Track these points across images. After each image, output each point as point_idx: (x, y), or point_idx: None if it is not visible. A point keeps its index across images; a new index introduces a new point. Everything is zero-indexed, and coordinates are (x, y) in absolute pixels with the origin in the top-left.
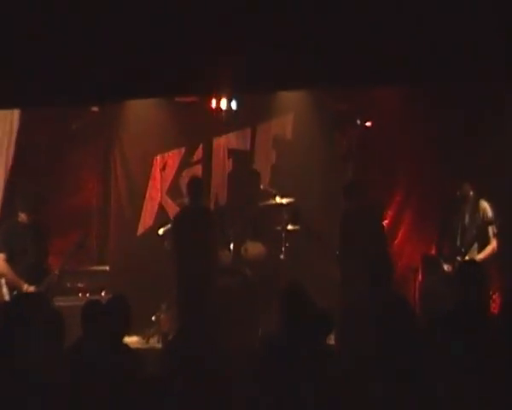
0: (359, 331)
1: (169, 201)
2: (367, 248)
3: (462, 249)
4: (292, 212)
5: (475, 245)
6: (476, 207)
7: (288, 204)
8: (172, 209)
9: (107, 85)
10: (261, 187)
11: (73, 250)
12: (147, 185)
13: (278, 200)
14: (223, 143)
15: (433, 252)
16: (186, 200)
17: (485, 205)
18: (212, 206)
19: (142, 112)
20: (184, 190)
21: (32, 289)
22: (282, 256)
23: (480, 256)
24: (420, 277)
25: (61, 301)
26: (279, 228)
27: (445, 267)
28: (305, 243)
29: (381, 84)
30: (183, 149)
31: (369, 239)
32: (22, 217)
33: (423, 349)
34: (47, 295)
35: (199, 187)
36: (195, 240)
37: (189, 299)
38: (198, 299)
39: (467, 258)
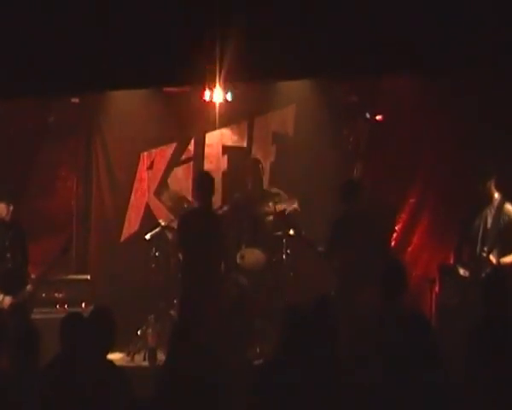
0: (364, 351)
1: (157, 202)
2: (365, 257)
3: (483, 254)
4: (287, 220)
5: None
6: (501, 209)
7: (290, 211)
8: (160, 212)
9: (90, 74)
10: (263, 187)
11: (58, 257)
12: (132, 185)
13: (280, 204)
14: (217, 138)
15: (452, 260)
16: (191, 199)
17: (510, 209)
18: None
19: (127, 104)
20: (174, 189)
21: (8, 299)
22: (283, 264)
23: (505, 260)
24: (437, 288)
25: (36, 314)
26: (280, 233)
27: (462, 272)
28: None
29: (392, 73)
30: (172, 146)
31: (369, 247)
32: (0, 211)
33: (443, 371)
34: (24, 306)
35: (211, 185)
36: (200, 241)
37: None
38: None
39: (489, 263)
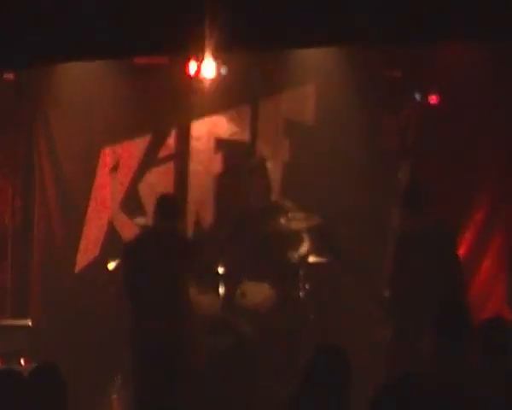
0: None
1: (124, 218)
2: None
3: None
4: (316, 236)
5: None
6: None
7: (310, 227)
8: (129, 231)
9: (33, 39)
10: (272, 199)
11: None
12: (89, 195)
13: (296, 221)
14: (207, 129)
15: None
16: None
17: None
18: (189, 227)
19: (82, 83)
20: (147, 201)
21: None
22: (299, 304)
23: None
24: None
25: None
26: (295, 261)
27: None
28: (337, 283)
29: (450, 39)
30: (145, 139)
31: (441, 273)
32: None
33: None
34: None
35: (171, 205)
36: (158, 280)
37: (150, 376)
38: (165, 375)
39: None
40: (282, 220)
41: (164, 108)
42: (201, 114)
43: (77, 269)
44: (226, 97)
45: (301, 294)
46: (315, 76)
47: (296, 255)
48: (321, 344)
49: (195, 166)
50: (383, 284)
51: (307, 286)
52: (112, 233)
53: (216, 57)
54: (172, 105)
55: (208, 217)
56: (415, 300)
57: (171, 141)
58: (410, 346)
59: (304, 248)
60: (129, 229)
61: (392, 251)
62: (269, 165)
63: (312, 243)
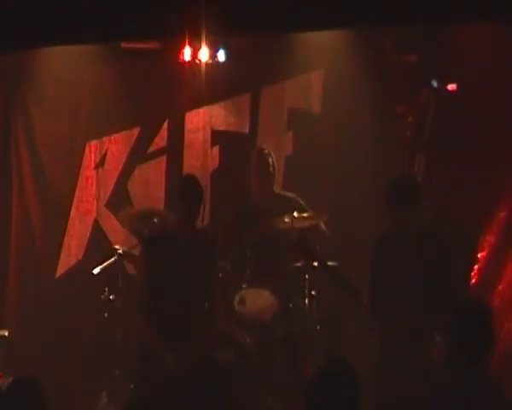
0: None
1: (110, 218)
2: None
3: None
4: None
5: None
6: None
7: (315, 226)
8: (116, 232)
9: (19, 23)
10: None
11: None
12: (73, 192)
13: (301, 219)
14: (203, 120)
15: None
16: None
17: None
18: None
19: (65, 68)
20: (137, 199)
21: None
22: (305, 313)
23: None
24: None
25: None
26: (300, 264)
27: None
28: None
29: (473, 20)
30: (134, 132)
31: (432, 283)
32: None
33: None
34: None
35: (198, 193)
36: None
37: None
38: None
39: None
40: (286, 219)
41: (155, 97)
42: (197, 104)
43: (58, 273)
44: (224, 85)
45: (306, 302)
46: (321, 62)
47: (301, 258)
48: (325, 363)
49: (190, 160)
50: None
51: (313, 292)
52: (97, 235)
53: (213, 42)
54: (165, 94)
55: (204, 215)
56: (397, 310)
57: (164, 133)
58: (397, 359)
59: (310, 249)
60: (115, 230)
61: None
62: (271, 159)
63: (319, 244)
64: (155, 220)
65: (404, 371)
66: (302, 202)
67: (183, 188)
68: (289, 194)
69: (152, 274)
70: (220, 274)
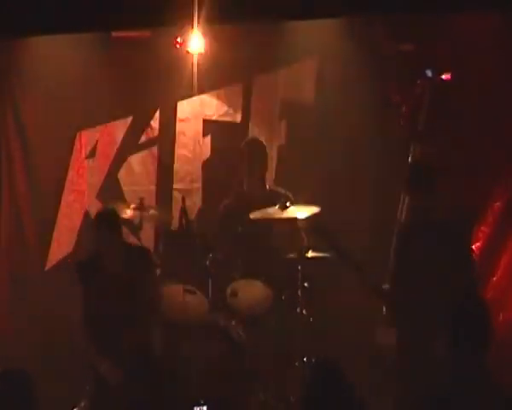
0: None
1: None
2: (445, 286)
3: None
4: (315, 230)
5: None
6: None
7: (308, 218)
8: None
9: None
10: (267, 186)
11: None
12: (63, 183)
13: (292, 211)
14: (195, 109)
15: None
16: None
17: None
18: (175, 218)
19: (54, 57)
20: (128, 190)
21: None
22: (298, 305)
23: None
24: None
25: None
26: (293, 255)
27: None
28: (340, 281)
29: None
30: (125, 121)
31: (449, 269)
32: None
33: None
34: None
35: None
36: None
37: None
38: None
39: None
40: (278, 210)
41: (146, 86)
42: (188, 93)
43: (48, 266)
44: (216, 75)
45: (299, 294)
46: (315, 50)
47: (294, 249)
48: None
49: (181, 150)
50: (385, 279)
51: (306, 284)
52: (88, 226)
53: (204, 29)
54: (156, 83)
55: (195, 206)
56: (419, 299)
57: (155, 123)
58: (417, 349)
59: (303, 241)
60: None
61: (394, 242)
62: (264, 149)
63: (312, 235)
64: (146, 211)
65: (420, 366)
66: (292, 197)
67: (98, 221)
68: (280, 189)
69: (88, 303)
70: (212, 266)
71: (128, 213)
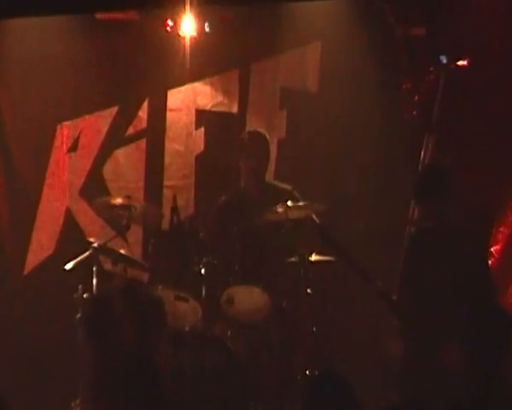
0: None
1: (85, 207)
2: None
3: None
4: (318, 230)
5: None
6: None
7: (311, 218)
8: (91, 224)
9: None
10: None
11: None
12: (43, 180)
13: (295, 209)
14: (187, 99)
15: None
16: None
17: None
18: (166, 217)
19: (34, 41)
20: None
21: None
22: (300, 313)
23: None
24: None
25: None
26: (294, 259)
27: None
28: (344, 287)
29: None
30: (111, 112)
31: (463, 278)
32: None
33: None
34: None
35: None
36: None
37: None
38: None
39: None
40: (279, 208)
41: (134, 73)
42: (180, 81)
43: (27, 269)
44: (210, 61)
45: (301, 300)
46: (318, 34)
47: (295, 252)
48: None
49: (172, 143)
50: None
51: (308, 290)
52: (70, 226)
53: (198, 12)
54: (144, 70)
55: (188, 204)
56: (432, 307)
57: (143, 114)
58: (427, 359)
59: (304, 243)
60: (90, 221)
61: (405, 250)
62: (266, 143)
63: (316, 236)
64: (134, 210)
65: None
66: (298, 195)
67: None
68: (284, 185)
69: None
70: (205, 270)
71: (114, 211)
